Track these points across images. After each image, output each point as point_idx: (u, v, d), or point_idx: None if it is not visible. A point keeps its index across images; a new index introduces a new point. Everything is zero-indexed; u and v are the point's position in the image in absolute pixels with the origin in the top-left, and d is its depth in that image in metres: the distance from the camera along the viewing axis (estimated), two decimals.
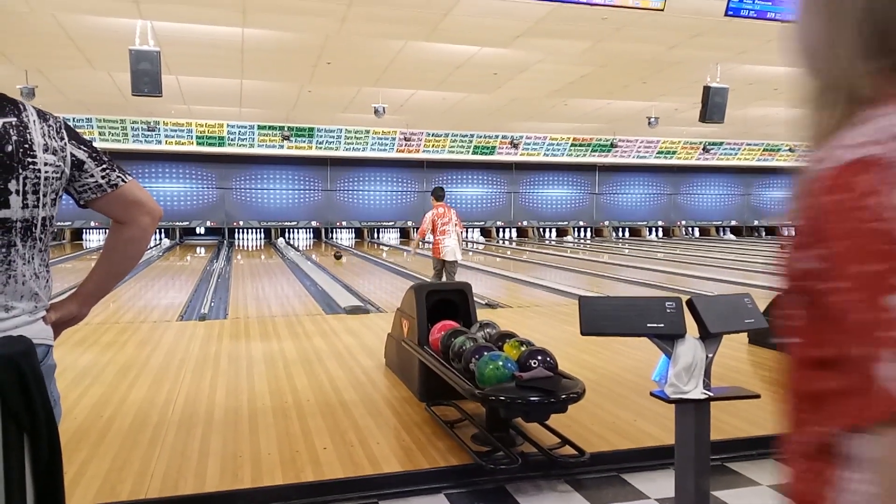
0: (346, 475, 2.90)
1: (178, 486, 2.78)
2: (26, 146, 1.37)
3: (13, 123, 1.36)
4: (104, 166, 1.51)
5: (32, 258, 1.43)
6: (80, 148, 1.48)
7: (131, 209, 1.55)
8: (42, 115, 1.43)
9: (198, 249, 17.20)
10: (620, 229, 23.06)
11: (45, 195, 1.41)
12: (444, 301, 4.18)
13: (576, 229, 22.58)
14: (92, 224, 18.38)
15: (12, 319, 1.38)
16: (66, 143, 1.45)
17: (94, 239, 18.56)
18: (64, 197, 1.51)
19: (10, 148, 1.34)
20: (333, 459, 3.05)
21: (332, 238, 20.30)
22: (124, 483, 2.79)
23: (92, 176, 1.49)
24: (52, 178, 1.42)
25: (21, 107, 1.41)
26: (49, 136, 1.42)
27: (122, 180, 1.53)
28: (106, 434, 3.36)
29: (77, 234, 18.67)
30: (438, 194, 8.15)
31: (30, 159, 1.37)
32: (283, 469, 2.94)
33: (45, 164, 1.40)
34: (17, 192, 1.36)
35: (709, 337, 2.28)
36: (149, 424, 3.51)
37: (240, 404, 3.87)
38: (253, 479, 2.84)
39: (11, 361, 1.29)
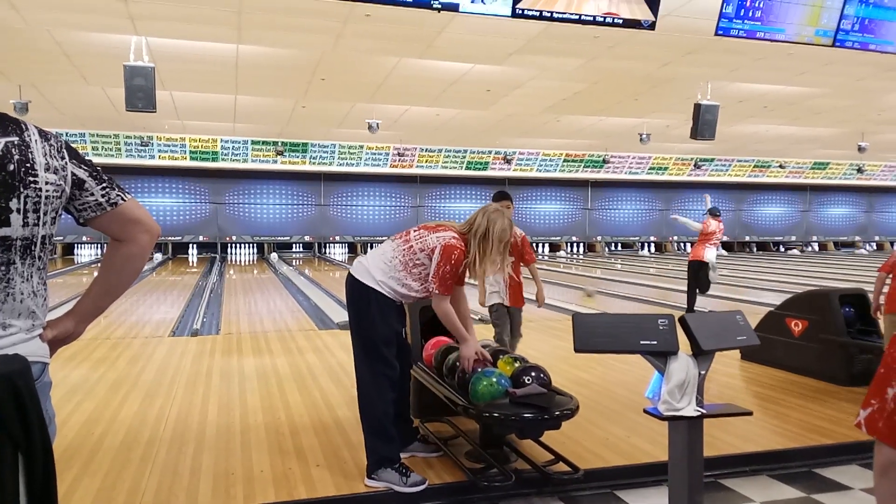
0: (339, 493, 2.89)
1: None
2: (27, 165, 1.38)
3: (15, 143, 1.38)
4: (104, 185, 1.53)
5: (31, 276, 1.43)
6: (80, 167, 1.50)
7: (130, 227, 1.56)
8: (44, 135, 1.45)
9: (190, 261, 17.12)
10: (613, 244, 23.16)
11: (45, 214, 1.42)
12: (437, 317, 4.17)
13: (568, 244, 22.65)
14: (83, 239, 18.30)
15: (9, 337, 1.38)
16: (66, 163, 1.47)
17: (86, 254, 18.48)
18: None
19: (11, 167, 1.36)
20: (326, 477, 3.04)
21: (325, 253, 20.28)
22: (115, 501, 2.78)
23: (92, 195, 1.51)
24: (53, 197, 1.43)
25: (23, 126, 1.42)
26: (50, 156, 1.43)
27: (122, 199, 1.55)
28: (97, 451, 3.34)
29: (68, 249, 18.58)
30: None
31: (31, 178, 1.38)
32: (275, 487, 2.93)
33: (46, 184, 1.41)
34: (18, 210, 1.37)
35: (701, 354, 2.30)
36: (140, 441, 3.49)
37: (232, 421, 3.85)
38: (245, 497, 2.83)
39: (7, 380, 1.29)
